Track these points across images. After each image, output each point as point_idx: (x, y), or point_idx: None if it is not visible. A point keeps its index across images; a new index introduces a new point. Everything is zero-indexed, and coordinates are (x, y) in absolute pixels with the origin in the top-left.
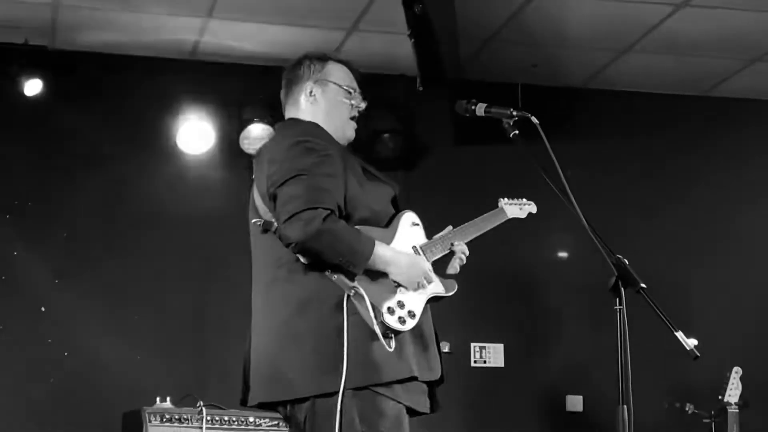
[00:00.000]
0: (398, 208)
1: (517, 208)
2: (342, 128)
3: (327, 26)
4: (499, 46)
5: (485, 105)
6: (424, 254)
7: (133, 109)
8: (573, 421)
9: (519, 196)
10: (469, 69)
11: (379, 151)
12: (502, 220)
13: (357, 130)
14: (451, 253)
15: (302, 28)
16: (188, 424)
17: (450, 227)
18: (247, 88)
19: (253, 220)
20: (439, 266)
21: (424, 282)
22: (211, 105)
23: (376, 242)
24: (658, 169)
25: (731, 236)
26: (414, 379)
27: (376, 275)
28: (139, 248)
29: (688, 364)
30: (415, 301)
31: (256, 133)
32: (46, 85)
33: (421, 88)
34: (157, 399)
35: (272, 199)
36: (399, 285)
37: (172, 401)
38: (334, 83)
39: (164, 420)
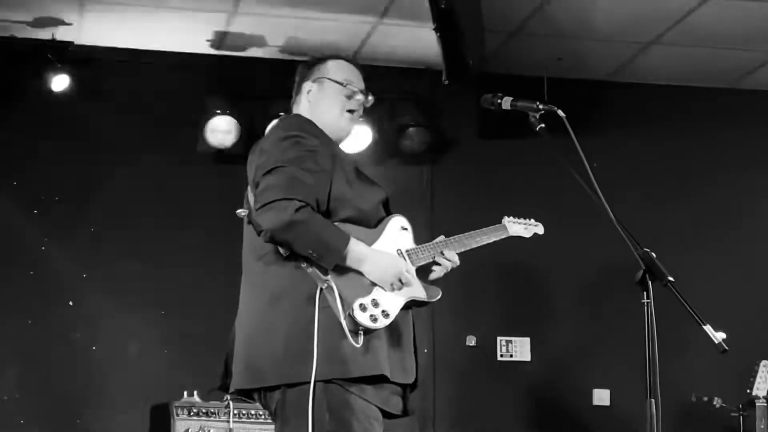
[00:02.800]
0: (389, 212)
1: (521, 227)
2: (336, 121)
3: (352, 20)
4: (524, 39)
5: (511, 98)
6: (409, 258)
7: (160, 103)
8: (600, 415)
9: (547, 188)
10: (494, 62)
11: (405, 145)
12: (502, 237)
13: (382, 124)
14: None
15: (327, 21)
16: (215, 418)
17: (442, 236)
18: (273, 81)
19: (238, 211)
20: (425, 273)
21: (399, 284)
22: (237, 99)
23: (352, 239)
24: (685, 162)
25: (758, 228)
26: (384, 378)
27: (355, 271)
28: (166, 243)
29: (715, 358)
30: (392, 302)
31: None
32: (73, 80)
33: (446, 82)
34: (185, 393)
35: (255, 188)
36: (376, 284)
37: (199, 395)
38: (329, 79)
39: (192, 414)
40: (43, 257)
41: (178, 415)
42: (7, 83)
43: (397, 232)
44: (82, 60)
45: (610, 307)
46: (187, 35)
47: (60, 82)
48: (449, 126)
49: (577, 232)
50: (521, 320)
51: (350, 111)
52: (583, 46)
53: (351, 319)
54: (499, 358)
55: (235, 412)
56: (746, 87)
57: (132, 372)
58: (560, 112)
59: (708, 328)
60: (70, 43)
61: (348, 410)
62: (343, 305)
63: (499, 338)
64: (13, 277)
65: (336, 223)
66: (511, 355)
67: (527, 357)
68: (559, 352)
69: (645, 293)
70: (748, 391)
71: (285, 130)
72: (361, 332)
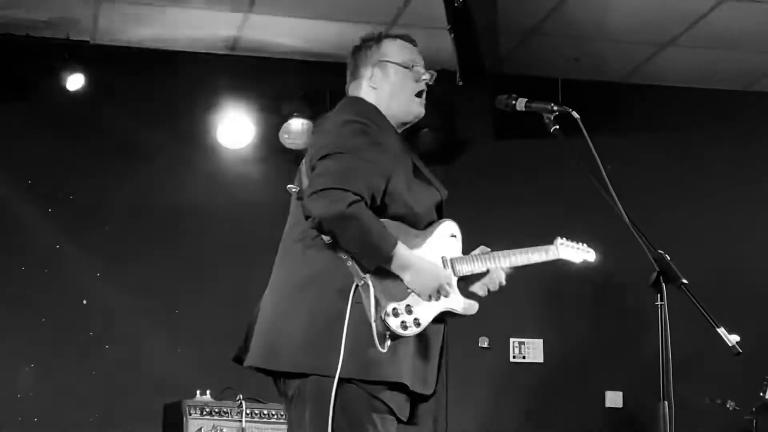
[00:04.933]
0: (441, 215)
1: (573, 251)
2: (407, 107)
3: (367, 20)
4: (539, 40)
5: (526, 100)
6: (452, 267)
7: (174, 103)
8: (612, 417)
9: (562, 190)
10: (509, 63)
11: (419, 146)
12: (552, 259)
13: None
14: (485, 273)
15: (342, 22)
16: (228, 417)
17: (482, 247)
18: (287, 83)
19: (288, 186)
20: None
21: (437, 296)
22: (251, 100)
23: (399, 244)
24: (700, 164)
25: None
26: (402, 386)
27: (394, 274)
28: (180, 242)
29: (729, 361)
30: (426, 310)
31: (297, 128)
32: (88, 79)
33: (460, 83)
34: (197, 392)
35: (312, 169)
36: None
37: (212, 394)
38: (393, 62)
39: (204, 413)
40: (57, 256)
41: (190, 414)
42: (22, 82)
43: (446, 239)
44: (98, 59)
45: (623, 309)
46: (202, 35)
47: (75, 81)
48: (464, 127)
49: (592, 233)
50: (534, 322)
51: (419, 94)
52: (598, 48)
53: (382, 322)
54: (511, 360)
55: (248, 411)
56: (761, 89)
57: (145, 371)
58: (575, 114)
59: (722, 331)
60: (86, 42)
61: (364, 410)
62: (376, 307)
63: (512, 339)
64: (28, 276)
65: (384, 220)
66: (524, 357)
67: (540, 358)
68: (571, 353)
69: (659, 295)
70: (762, 394)
71: (351, 114)
72: (389, 337)
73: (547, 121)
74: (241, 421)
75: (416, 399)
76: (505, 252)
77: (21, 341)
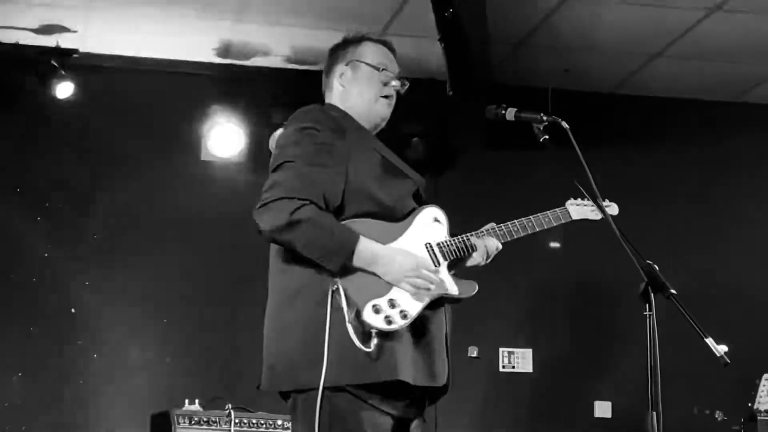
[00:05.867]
0: (421, 203)
1: (588, 210)
2: (370, 107)
3: (357, 30)
4: (529, 50)
5: (515, 109)
6: (440, 252)
7: (163, 112)
8: (601, 427)
9: (552, 199)
10: (499, 73)
11: (409, 155)
12: (563, 222)
13: (387, 134)
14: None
15: (332, 31)
16: (217, 426)
17: (492, 224)
18: (277, 91)
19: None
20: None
21: (418, 282)
22: (240, 109)
23: (361, 239)
24: (689, 175)
25: (762, 240)
26: (400, 382)
27: (370, 271)
28: (168, 251)
29: (717, 371)
30: (412, 301)
31: None
32: (77, 88)
33: (451, 93)
34: (186, 401)
35: None
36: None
37: (200, 404)
38: (365, 63)
39: (193, 422)
40: (45, 264)
41: (179, 423)
42: (11, 90)
43: (428, 225)
44: (87, 67)
45: (612, 319)
46: (192, 44)
47: (64, 90)
48: (453, 137)
49: (581, 243)
50: (523, 331)
51: (385, 96)
52: (588, 59)
53: (359, 321)
54: (501, 369)
55: (236, 420)
56: (750, 100)
57: (133, 380)
58: (564, 124)
59: (710, 341)
60: (75, 50)
61: (354, 420)
62: (348, 308)
63: (501, 349)
64: (16, 284)
65: (354, 220)
66: (513, 367)
67: (529, 368)
68: (561, 363)
69: (647, 305)
70: (750, 404)
71: (300, 121)
72: (375, 336)
73: (536, 131)
74: (230, 430)
75: (429, 392)
76: (507, 225)
77: (9, 350)
